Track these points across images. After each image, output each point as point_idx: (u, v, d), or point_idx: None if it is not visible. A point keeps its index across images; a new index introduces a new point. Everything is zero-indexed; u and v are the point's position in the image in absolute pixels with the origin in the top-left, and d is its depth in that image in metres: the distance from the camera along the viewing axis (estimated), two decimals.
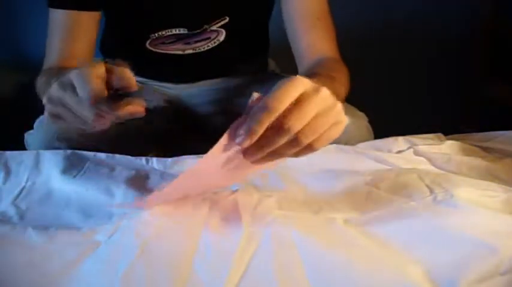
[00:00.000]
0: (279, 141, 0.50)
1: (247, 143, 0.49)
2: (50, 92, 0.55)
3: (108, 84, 0.54)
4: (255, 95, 0.51)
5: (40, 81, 0.84)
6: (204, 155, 0.51)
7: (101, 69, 0.53)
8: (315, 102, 0.49)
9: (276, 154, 0.52)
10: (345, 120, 0.53)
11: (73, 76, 0.53)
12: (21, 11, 1.47)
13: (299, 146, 0.51)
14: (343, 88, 0.80)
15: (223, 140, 0.51)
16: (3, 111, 1.45)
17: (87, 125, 0.56)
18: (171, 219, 0.58)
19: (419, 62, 1.67)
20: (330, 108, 0.51)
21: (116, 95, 0.54)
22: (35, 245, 0.53)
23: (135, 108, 0.54)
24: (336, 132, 0.52)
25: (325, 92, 0.51)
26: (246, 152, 0.51)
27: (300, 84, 0.49)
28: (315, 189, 0.67)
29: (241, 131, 0.49)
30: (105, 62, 0.55)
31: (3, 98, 1.51)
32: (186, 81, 1.06)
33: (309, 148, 0.52)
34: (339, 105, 0.52)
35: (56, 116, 0.57)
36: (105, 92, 0.52)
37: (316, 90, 0.50)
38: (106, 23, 1.01)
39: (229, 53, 1.01)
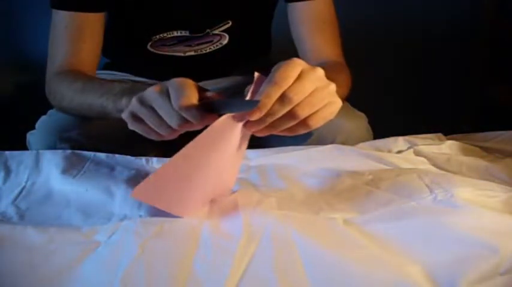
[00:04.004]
0: (280, 112, 0.54)
1: (257, 115, 0.53)
2: (144, 94, 0.60)
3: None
4: (257, 74, 0.56)
5: (60, 86, 0.83)
6: (199, 135, 0.53)
7: (193, 84, 0.59)
8: (312, 79, 0.55)
9: (275, 127, 0.56)
10: (339, 102, 0.58)
11: (171, 83, 0.58)
12: (21, 11, 1.47)
13: (296, 119, 0.55)
14: (341, 90, 0.80)
15: (225, 117, 0.54)
16: (3, 111, 1.45)
17: (164, 131, 0.60)
18: (171, 219, 0.58)
19: (420, 62, 1.68)
20: (324, 86, 0.56)
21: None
22: (35, 245, 0.53)
23: (213, 119, 0.58)
24: (330, 112, 0.57)
25: (320, 72, 0.56)
26: (249, 123, 0.55)
27: (299, 64, 0.55)
28: (315, 189, 0.67)
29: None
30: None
31: (3, 98, 1.51)
32: None
33: (305, 125, 0.56)
34: (333, 86, 0.57)
35: (137, 119, 0.61)
36: (197, 102, 0.57)
37: (312, 69, 0.56)
38: (107, 24, 1.01)
39: (231, 55, 1.01)
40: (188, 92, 0.56)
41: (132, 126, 0.63)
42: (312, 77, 0.55)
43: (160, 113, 0.58)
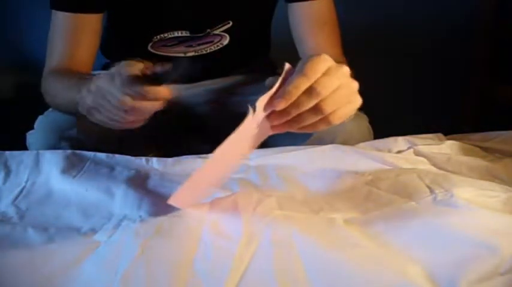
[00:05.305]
0: (307, 105, 0.54)
1: (283, 105, 0.53)
2: (98, 82, 0.61)
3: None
4: (287, 65, 0.56)
5: (53, 84, 0.84)
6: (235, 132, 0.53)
7: (137, 62, 0.60)
8: (339, 76, 0.55)
9: (297, 122, 0.56)
10: (359, 101, 0.58)
11: (115, 67, 0.59)
12: (21, 11, 1.47)
13: (319, 115, 0.55)
14: None
15: (258, 111, 0.54)
16: (4, 111, 1.45)
17: (118, 115, 0.60)
18: (171, 219, 0.58)
19: (419, 63, 1.67)
20: (348, 84, 0.57)
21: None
22: (35, 245, 0.53)
23: (163, 91, 0.59)
24: (351, 110, 0.58)
25: (346, 69, 0.57)
26: (273, 115, 0.55)
27: (327, 59, 0.56)
28: (315, 189, 0.67)
29: (278, 94, 0.53)
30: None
31: (3, 98, 1.51)
32: (186, 81, 1.06)
33: (326, 121, 0.57)
34: (356, 84, 0.58)
35: (94, 109, 0.62)
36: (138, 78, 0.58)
37: (339, 66, 0.56)
38: (108, 25, 1.01)
39: (231, 55, 1.01)
40: (129, 69, 0.57)
41: (92, 118, 0.64)
42: (339, 73, 0.56)
43: (108, 97, 0.60)
